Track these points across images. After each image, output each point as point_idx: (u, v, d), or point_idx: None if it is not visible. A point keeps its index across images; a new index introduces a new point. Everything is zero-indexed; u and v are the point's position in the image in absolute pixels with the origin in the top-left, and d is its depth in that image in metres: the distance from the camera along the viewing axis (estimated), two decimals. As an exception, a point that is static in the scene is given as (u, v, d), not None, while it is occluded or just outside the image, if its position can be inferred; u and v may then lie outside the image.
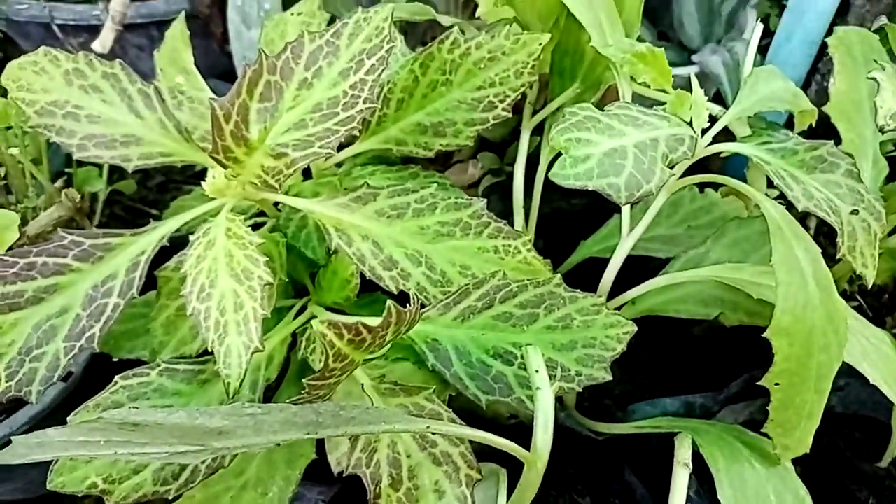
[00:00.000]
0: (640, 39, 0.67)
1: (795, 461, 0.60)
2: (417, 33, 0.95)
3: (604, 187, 0.46)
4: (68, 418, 0.50)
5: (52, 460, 0.77)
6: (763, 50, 0.93)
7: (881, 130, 0.42)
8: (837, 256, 0.52)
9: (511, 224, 0.71)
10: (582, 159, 0.46)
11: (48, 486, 0.50)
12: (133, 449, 0.39)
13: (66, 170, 0.83)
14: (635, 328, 0.54)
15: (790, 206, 0.54)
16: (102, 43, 0.88)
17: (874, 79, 0.43)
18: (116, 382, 0.53)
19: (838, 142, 0.71)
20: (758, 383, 0.49)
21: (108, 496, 0.50)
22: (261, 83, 0.53)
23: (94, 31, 1.01)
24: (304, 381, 0.42)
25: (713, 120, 0.59)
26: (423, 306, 0.56)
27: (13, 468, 0.76)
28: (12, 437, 0.38)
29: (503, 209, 0.80)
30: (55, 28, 0.99)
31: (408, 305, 0.43)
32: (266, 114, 0.54)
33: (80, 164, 0.81)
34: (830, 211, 0.51)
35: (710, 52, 0.89)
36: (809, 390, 0.50)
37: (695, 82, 0.54)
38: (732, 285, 0.56)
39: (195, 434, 0.40)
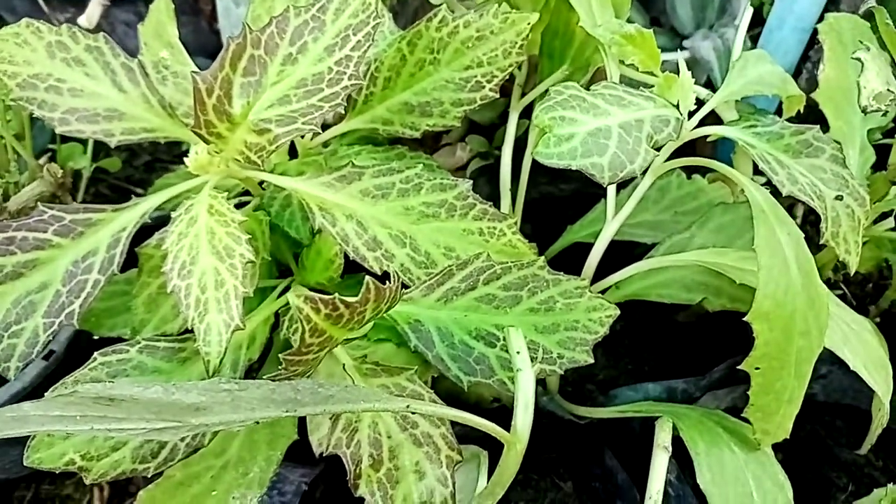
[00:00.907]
0: (630, 22, 0.66)
1: (777, 448, 0.61)
2: (407, 13, 0.94)
3: (587, 167, 0.46)
4: (46, 394, 0.50)
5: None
6: (756, 39, 0.93)
7: (864, 111, 0.41)
8: (821, 242, 0.52)
9: (498, 207, 0.71)
10: (566, 138, 0.46)
11: (25, 463, 0.49)
12: (110, 424, 0.39)
13: (51, 146, 0.82)
14: (618, 311, 0.54)
15: (776, 192, 0.53)
16: (89, 18, 0.87)
17: (858, 59, 0.43)
18: (95, 359, 0.52)
19: (826, 129, 0.71)
20: (738, 367, 0.49)
21: (85, 473, 0.50)
22: (244, 57, 0.53)
23: (80, 5, 1.00)
24: (280, 355, 0.42)
25: (701, 103, 0.58)
26: (406, 287, 0.56)
27: (-6, 447, 0.75)
28: (-13, 411, 0.38)
29: (490, 193, 0.80)
30: (41, 2, 0.98)
31: (387, 283, 0.43)
32: (249, 88, 0.53)
33: (65, 140, 0.80)
34: (815, 196, 0.51)
35: (701, 38, 0.88)
36: (790, 375, 0.50)
37: (682, 65, 0.54)
38: (716, 270, 0.56)
39: (172, 410, 0.39)
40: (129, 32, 1.06)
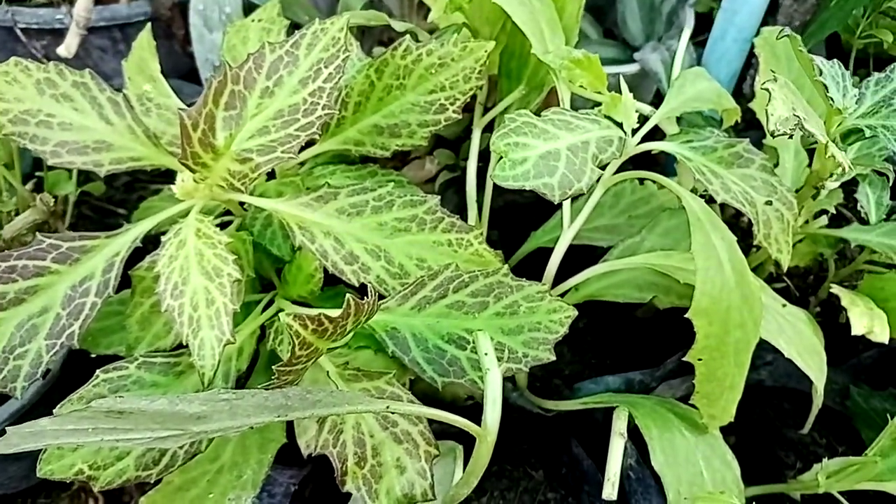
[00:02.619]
0: (584, 37, 0.71)
1: (730, 431, 0.66)
2: (374, 34, 0.99)
3: (539, 187, 0.51)
4: (55, 410, 0.54)
5: (33, 455, 0.80)
6: (704, 44, 0.99)
7: (772, 135, 0.47)
8: (754, 243, 0.57)
9: (465, 217, 0.76)
10: (519, 162, 0.51)
11: (38, 474, 0.53)
12: (119, 435, 0.43)
13: (36, 173, 0.85)
14: (576, 312, 0.59)
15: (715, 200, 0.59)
16: (68, 47, 0.90)
17: (767, 89, 0.48)
18: (98, 376, 0.57)
19: (764, 135, 0.77)
20: (683, 359, 0.55)
21: (93, 482, 0.54)
22: (226, 93, 0.57)
23: (56, 34, 1.03)
24: (273, 367, 0.46)
25: (645, 120, 0.64)
26: (382, 297, 0.60)
27: (-6, 464, 0.79)
28: (7, 428, 0.42)
29: (459, 202, 0.84)
30: (18, 31, 1.01)
31: (365, 297, 0.48)
32: (231, 121, 0.58)
33: (50, 167, 0.84)
34: (746, 202, 0.56)
35: (650, 50, 0.94)
36: (729, 364, 0.55)
37: (624, 86, 0.59)
38: (663, 271, 0.62)
39: (176, 419, 0.44)
40: (103, 57, 1.10)
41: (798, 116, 0.47)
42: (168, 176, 0.85)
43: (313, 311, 0.45)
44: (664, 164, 1.00)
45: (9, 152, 0.75)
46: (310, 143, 0.74)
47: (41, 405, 0.75)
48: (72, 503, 0.91)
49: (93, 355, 0.68)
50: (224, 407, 0.44)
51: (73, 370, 0.76)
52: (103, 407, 0.43)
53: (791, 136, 0.47)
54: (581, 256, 0.75)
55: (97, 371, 0.57)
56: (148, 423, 0.44)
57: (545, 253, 0.77)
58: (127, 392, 0.57)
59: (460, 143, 0.94)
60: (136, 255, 0.63)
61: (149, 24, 0.72)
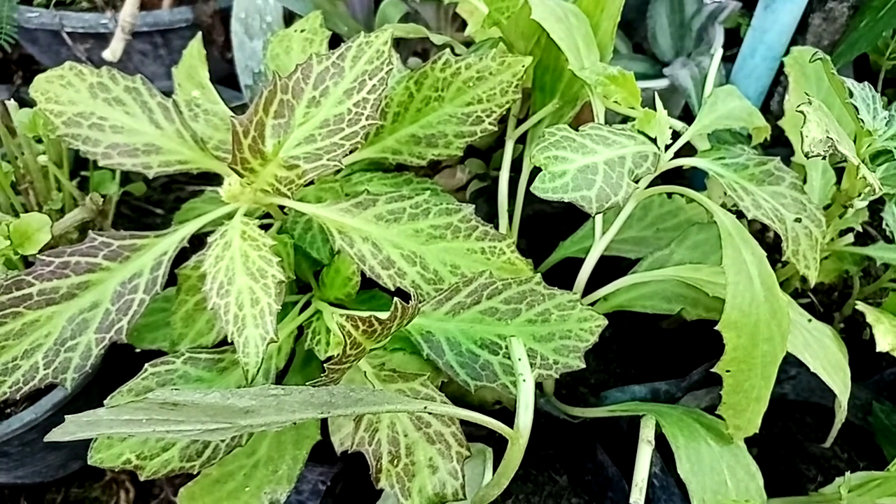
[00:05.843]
0: (615, 51, 0.73)
1: (753, 443, 0.67)
2: (410, 44, 1.01)
3: (577, 199, 0.53)
4: (106, 401, 0.56)
5: (70, 446, 0.83)
6: (733, 59, 1.00)
7: (806, 156, 0.49)
8: (783, 259, 0.59)
9: (496, 226, 0.78)
10: (559, 175, 0.53)
11: (89, 462, 0.55)
12: (170, 427, 0.46)
13: (82, 172, 0.88)
14: (606, 322, 0.61)
15: (743, 215, 0.61)
16: (113, 52, 0.93)
17: (801, 112, 0.50)
18: (146, 370, 0.59)
19: (793, 152, 0.78)
20: (711, 370, 0.56)
21: (140, 471, 0.56)
22: (275, 101, 0.60)
23: (100, 38, 1.07)
24: (325, 364, 0.48)
25: (677, 135, 0.66)
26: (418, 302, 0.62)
27: (33, 453, 0.82)
28: (65, 416, 0.44)
29: (489, 211, 0.86)
30: (64, 35, 1.04)
31: (410, 301, 0.50)
32: (280, 129, 0.60)
33: (96, 167, 0.87)
34: (776, 219, 0.58)
35: (680, 66, 0.96)
36: (756, 376, 0.57)
37: (658, 103, 0.61)
38: (692, 284, 0.63)
39: (225, 413, 0.46)
40: (144, 61, 1.13)
41: (831, 138, 0.48)
42: (206, 178, 0.88)
43: (363, 313, 0.47)
44: (690, 178, 1.01)
45: (58, 152, 0.78)
46: (350, 151, 0.77)
47: (81, 397, 0.78)
48: (103, 493, 0.94)
49: (137, 350, 0.70)
50: (272, 402, 0.46)
51: (110, 364, 0.78)
52: (159, 398, 0.45)
53: (824, 157, 0.48)
54: (607, 267, 0.76)
55: (146, 365, 0.59)
56: (199, 416, 0.46)
57: (571, 262, 0.78)
58: (173, 385, 0.59)
59: (490, 153, 0.96)
60: (180, 255, 0.66)
61: (199, 34, 0.75)
